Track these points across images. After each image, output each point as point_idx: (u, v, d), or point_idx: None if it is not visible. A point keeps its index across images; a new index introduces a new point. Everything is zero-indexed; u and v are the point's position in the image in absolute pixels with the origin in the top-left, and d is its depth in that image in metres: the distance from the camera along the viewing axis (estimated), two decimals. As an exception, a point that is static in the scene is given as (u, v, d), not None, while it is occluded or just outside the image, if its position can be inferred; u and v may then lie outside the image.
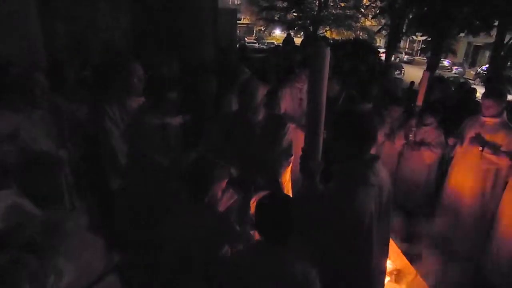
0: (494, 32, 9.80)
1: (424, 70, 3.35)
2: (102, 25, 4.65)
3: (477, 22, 9.47)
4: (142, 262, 2.23)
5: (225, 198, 1.91)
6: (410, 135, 3.51)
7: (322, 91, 1.52)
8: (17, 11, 3.48)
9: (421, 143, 3.52)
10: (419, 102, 3.21)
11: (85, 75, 3.34)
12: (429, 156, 3.50)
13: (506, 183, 2.92)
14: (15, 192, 1.56)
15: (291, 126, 3.44)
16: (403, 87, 6.63)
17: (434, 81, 5.25)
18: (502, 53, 9.61)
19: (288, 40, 8.66)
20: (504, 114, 2.89)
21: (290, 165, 2.35)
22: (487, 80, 9.12)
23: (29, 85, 2.09)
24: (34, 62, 3.15)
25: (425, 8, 10.08)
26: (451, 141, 3.24)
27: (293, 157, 2.30)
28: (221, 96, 3.33)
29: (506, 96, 2.86)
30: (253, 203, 2.09)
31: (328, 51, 1.47)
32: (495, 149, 2.82)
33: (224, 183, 1.73)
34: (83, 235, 0.69)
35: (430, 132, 3.48)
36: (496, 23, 9.48)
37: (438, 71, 11.48)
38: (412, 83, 6.91)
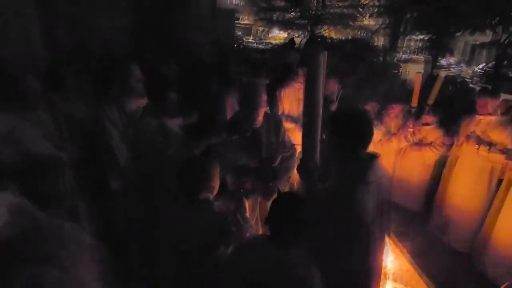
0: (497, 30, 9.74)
1: (417, 72, 3.38)
2: (101, 25, 4.65)
3: (479, 20, 9.41)
4: (142, 261, 2.25)
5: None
6: (409, 135, 3.52)
7: (318, 93, 1.54)
8: (15, 10, 3.47)
9: (421, 143, 3.53)
10: (414, 103, 3.25)
11: (83, 75, 3.34)
12: (429, 156, 3.52)
13: (500, 180, 2.95)
14: (12, 192, 1.56)
15: (290, 127, 3.48)
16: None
17: (431, 80, 5.27)
18: (499, 52, 9.60)
19: (290, 43, 8.80)
20: (499, 111, 2.91)
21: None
22: (487, 78, 9.11)
23: (20, 87, 2.07)
24: (30, 63, 3.14)
25: (427, 6, 10.00)
26: (448, 140, 3.27)
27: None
28: (219, 96, 3.34)
29: (500, 94, 2.88)
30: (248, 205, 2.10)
31: (324, 54, 1.49)
32: (490, 147, 2.85)
33: (217, 178, 1.76)
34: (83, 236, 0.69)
35: (431, 131, 3.50)
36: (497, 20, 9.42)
37: (435, 70, 11.49)
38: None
